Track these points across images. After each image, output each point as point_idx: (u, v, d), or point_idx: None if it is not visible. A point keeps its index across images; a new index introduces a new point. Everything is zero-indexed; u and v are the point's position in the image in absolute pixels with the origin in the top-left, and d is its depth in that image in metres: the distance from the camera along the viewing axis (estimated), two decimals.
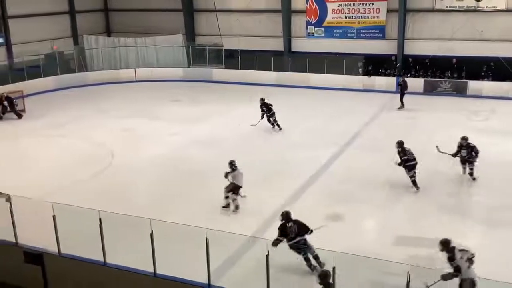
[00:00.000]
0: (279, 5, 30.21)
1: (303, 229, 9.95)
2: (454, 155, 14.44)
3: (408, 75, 26.42)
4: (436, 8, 27.10)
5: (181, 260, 9.68)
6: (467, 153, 14.29)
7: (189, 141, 18.61)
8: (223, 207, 12.81)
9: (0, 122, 22.29)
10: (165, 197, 13.91)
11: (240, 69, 30.05)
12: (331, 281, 7.71)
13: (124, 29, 34.93)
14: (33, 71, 28.05)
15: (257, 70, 29.46)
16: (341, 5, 29.19)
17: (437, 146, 14.53)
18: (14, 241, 10.27)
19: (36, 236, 10.27)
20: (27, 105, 23.96)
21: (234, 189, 12.76)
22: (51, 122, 21.78)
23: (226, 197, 12.79)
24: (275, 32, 30.81)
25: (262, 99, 20.08)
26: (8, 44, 28.88)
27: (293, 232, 9.89)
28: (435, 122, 20.93)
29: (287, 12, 30.23)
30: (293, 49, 30.76)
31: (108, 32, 36.12)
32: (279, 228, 10.01)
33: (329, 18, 29.61)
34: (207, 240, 8.46)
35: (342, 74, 27.87)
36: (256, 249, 9.82)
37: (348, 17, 29.20)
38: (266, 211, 12.55)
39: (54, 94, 27.52)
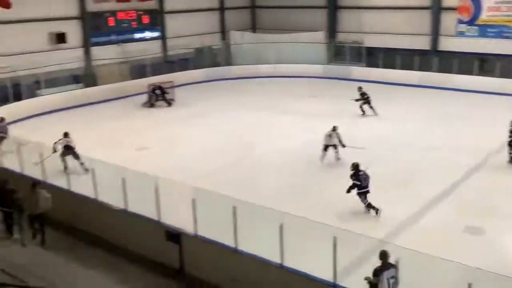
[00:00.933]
0: (428, 2, 28.80)
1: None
2: None
3: None
4: None
5: (308, 255, 9.72)
6: None
7: (322, 138, 18.61)
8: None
9: (152, 109, 24.43)
10: (296, 191, 14.14)
11: (381, 67, 29.24)
12: (389, 261, 7.94)
13: (268, 25, 35.95)
14: (183, 63, 30.24)
15: (399, 69, 28.45)
16: (498, 3, 26.92)
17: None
18: (158, 219, 11.17)
19: (176, 216, 11.10)
20: (176, 94, 25.87)
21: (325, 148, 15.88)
22: (196, 112, 23.29)
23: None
24: (421, 30, 29.42)
25: (360, 88, 22.41)
26: (163, 38, 31.37)
27: (365, 180, 12.19)
28: None
29: (436, 9, 28.69)
30: (440, 48, 29.08)
31: (254, 28, 37.42)
32: (353, 175, 12.30)
33: (484, 16, 27.49)
34: (335, 238, 8.42)
35: (495, 77, 25.72)
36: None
37: (506, 15, 26.82)
38: (399, 217, 12.15)
39: (201, 86, 29.33)
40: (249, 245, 9.94)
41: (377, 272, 7.92)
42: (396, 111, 21.07)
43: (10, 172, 14.23)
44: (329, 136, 16.18)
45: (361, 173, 12.24)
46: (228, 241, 10.00)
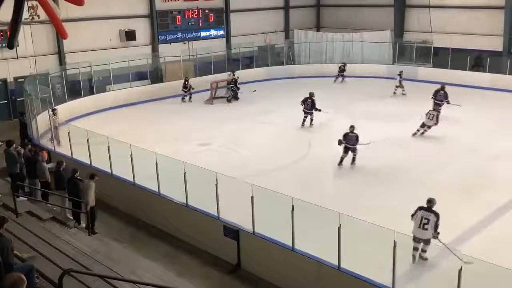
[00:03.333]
0: (502, 1, 27.47)
1: (357, 140, 15.55)
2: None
3: None
4: None
5: (366, 259, 9.57)
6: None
7: (384, 139, 18.20)
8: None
9: (214, 106, 24.80)
10: (355, 192, 13.95)
11: (450, 68, 28.19)
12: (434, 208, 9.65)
13: (332, 24, 35.62)
14: (247, 61, 30.51)
15: (468, 70, 27.33)
16: None
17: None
18: (217, 215, 11.35)
19: (234, 213, 11.23)
20: (239, 92, 26.04)
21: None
22: (258, 109, 23.40)
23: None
24: (494, 30, 28.13)
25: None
26: (228, 36, 31.80)
27: (351, 140, 15.58)
28: None
29: (511, 9, 27.32)
30: None
31: (318, 27, 37.19)
32: (343, 135, 15.66)
33: None
34: (395, 243, 8.24)
35: None
36: (446, 261, 9.27)
37: None
38: (463, 225, 11.70)
39: (263, 84, 29.44)
40: (306, 244, 9.92)
41: (417, 207, 9.67)
42: (462, 115, 20.20)
43: (79, 163, 14.94)
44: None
45: (350, 134, 15.69)
46: (285, 240, 10.02)
